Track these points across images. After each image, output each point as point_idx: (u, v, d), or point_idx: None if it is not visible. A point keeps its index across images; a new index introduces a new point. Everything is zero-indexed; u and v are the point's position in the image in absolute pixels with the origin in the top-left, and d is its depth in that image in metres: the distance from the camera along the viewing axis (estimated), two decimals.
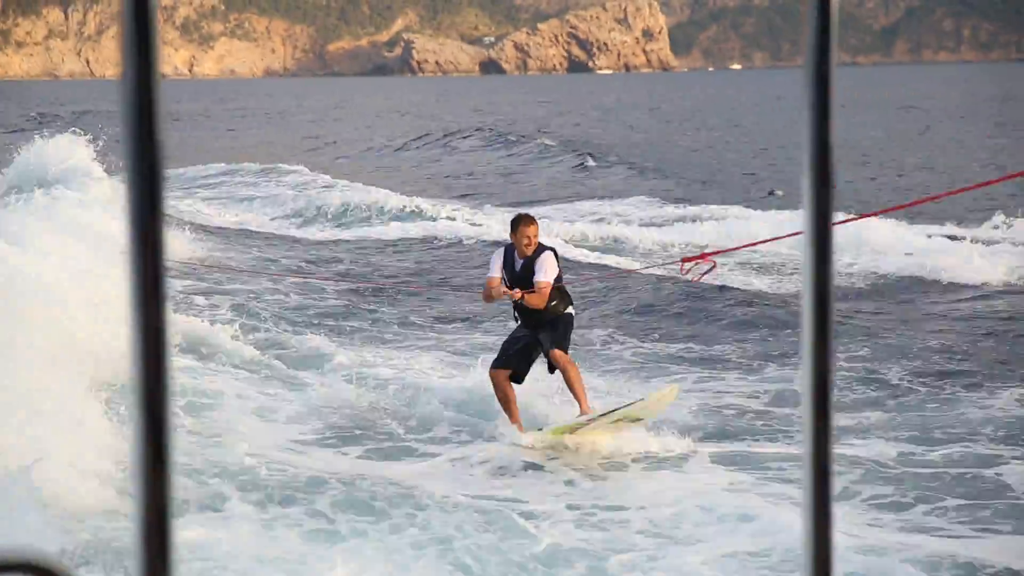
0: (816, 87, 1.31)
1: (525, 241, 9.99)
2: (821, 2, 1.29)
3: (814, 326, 1.32)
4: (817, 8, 1.29)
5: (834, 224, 1.34)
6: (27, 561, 1.10)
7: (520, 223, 10.11)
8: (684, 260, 10.30)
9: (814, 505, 1.32)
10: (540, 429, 10.08)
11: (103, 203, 20.01)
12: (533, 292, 9.85)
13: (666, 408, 10.12)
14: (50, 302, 11.20)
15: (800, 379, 1.33)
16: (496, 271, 10.14)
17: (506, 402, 10.19)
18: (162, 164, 1.07)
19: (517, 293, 9.83)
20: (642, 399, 10.08)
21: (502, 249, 10.34)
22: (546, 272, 9.94)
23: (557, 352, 9.88)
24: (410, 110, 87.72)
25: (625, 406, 9.95)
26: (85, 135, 26.18)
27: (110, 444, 8.82)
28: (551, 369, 10.17)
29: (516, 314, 10.32)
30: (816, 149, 1.31)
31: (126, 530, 6.69)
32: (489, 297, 10.13)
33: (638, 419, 9.92)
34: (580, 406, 9.93)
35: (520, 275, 10.05)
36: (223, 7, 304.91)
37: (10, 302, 10.78)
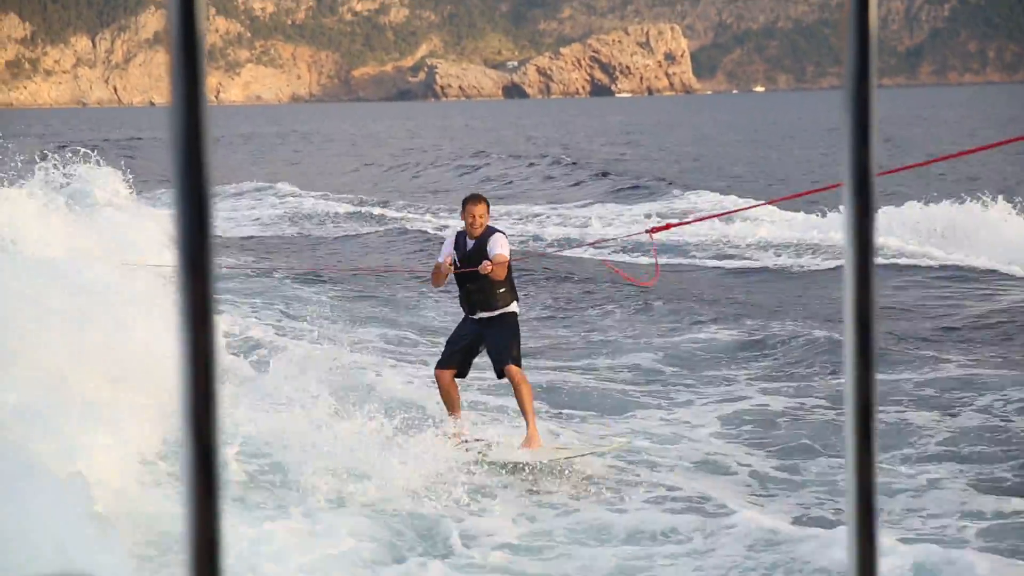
0: (856, 112, 1.30)
1: (471, 220, 10.03)
2: (859, 25, 1.29)
3: (856, 352, 1.31)
4: (855, 31, 1.29)
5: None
6: None
7: (468, 202, 10.17)
8: (651, 231, 10.17)
9: (859, 532, 1.31)
10: (484, 454, 9.94)
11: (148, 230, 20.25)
12: (486, 264, 9.84)
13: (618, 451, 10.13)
14: (116, 320, 11.37)
15: (844, 406, 1.33)
16: (444, 255, 10.21)
17: (450, 402, 10.21)
18: (210, 189, 1.08)
19: (487, 266, 9.79)
20: (592, 451, 10.02)
21: (454, 234, 10.40)
22: (502, 247, 9.99)
23: (512, 368, 9.86)
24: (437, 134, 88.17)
25: (576, 454, 9.89)
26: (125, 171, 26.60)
27: (159, 454, 8.93)
28: (500, 375, 10.12)
29: (463, 304, 10.29)
30: (856, 175, 1.31)
31: (176, 548, 6.70)
32: (439, 276, 10.15)
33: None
34: (527, 427, 9.88)
35: (471, 254, 10.06)
36: (249, 34, 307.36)
37: (76, 314, 10.96)
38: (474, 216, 10.04)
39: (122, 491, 7.70)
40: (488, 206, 10.19)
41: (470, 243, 10.13)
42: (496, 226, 10.43)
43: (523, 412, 9.94)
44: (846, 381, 1.32)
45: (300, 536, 8.00)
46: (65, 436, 8.00)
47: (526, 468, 9.73)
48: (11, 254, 14.09)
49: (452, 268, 10.01)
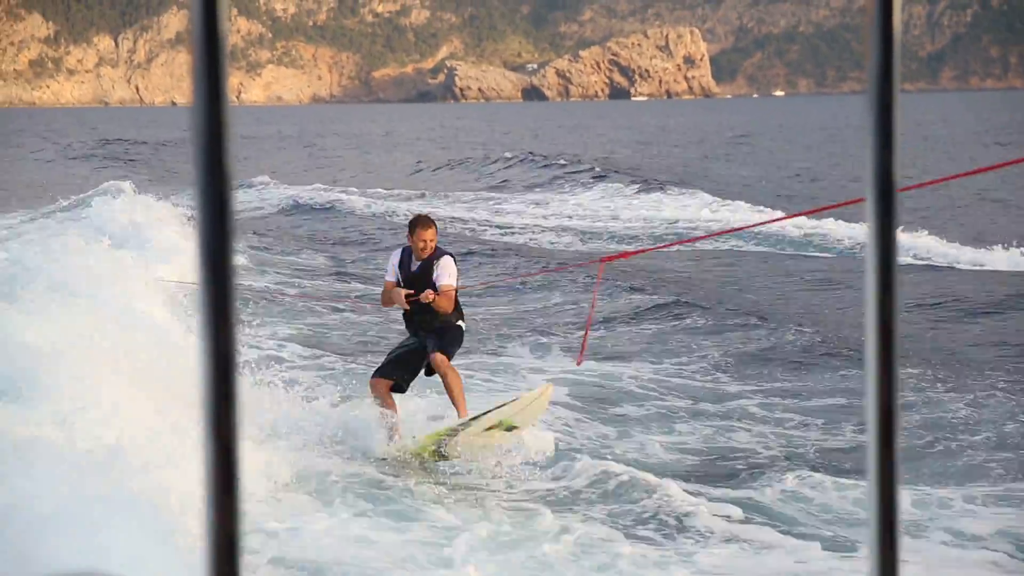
0: (879, 116, 1.30)
1: (421, 245, 9.76)
2: (883, 30, 1.28)
3: (878, 358, 1.30)
4: (879, 36, 1.28)
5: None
6: None
7: (417, 225, 9.84)
8: (603, 260, 9.79)
9: (879, 536, 1.30)
10: (413, 437, 9.76)
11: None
12: (428, 294, 9.62)
13: (543, 411, 9.81)
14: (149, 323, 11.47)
15: (865, 413, 1.32)
16: (391, 274, 9.95)
17: (387, 410, 9.86)
18: (231, 190, 1.08)
19: (429, 295, 9.59)
20: (514, 399, 9.73)
21: (399, 250, 10.09)
22: (451, 275, 9.71)
23: (438, 356, 9.62)
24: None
25: (496, 408, 9.62)
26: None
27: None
28: (429, 372, 9.91)
29: (408, 327, 10.03)
30: (879, 179, 1.30)
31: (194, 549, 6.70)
32: (389, 301, 9.90)
33: (513, 427, 9.57)
34: (458, 412, 9.67)
35: (416, 275, 9.80)
36: (270, 35, 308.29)
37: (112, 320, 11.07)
38: (424, 241, 9.75)
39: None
40: (437, 230, 9.91)
41: (415, 264, 9.85)
42: (446, 248, 10.16)
43: (452, 401, 9.71)
44: (867, 387, 1.31)
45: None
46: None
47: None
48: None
49: (403, 296, 9.69)
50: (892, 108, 1.29)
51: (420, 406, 10.48)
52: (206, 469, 1.07)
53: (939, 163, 47.75)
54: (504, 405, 9.67)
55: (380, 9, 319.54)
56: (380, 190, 40.40)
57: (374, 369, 10.21)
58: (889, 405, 1.31)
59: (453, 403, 9.74)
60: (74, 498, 6.80)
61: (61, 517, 6.59)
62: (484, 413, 9.64)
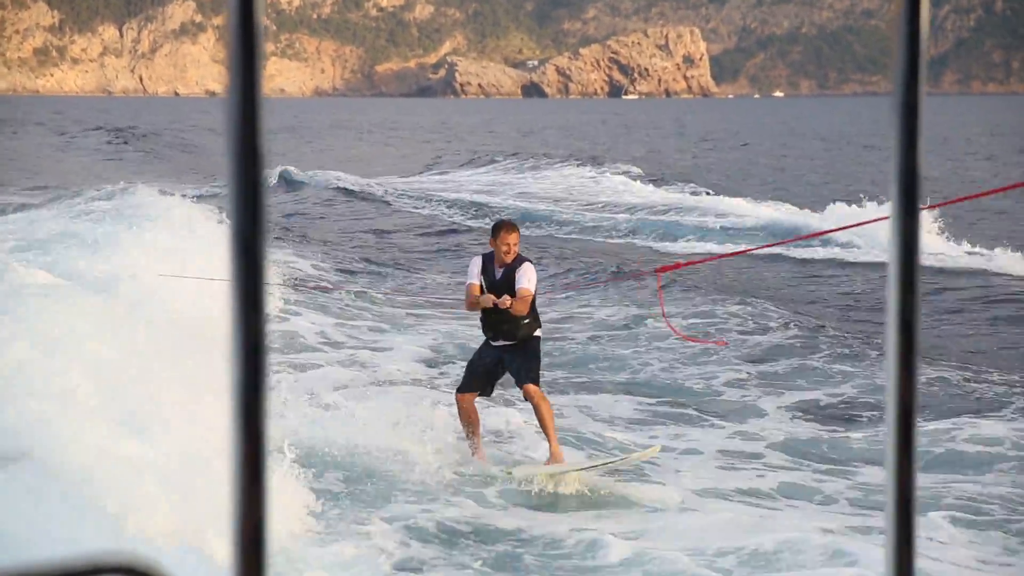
0: (904, 116, 1.30)
1: (505, 248, 9.67)
2: (910, 30, 1.29)
3: (899, 355, 1.30)
4: (906, 36, 1.29)
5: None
6: (127, 564, 1.11)
7: (502, 229, 9.76)
8: (658, 270, 9.65)
9: (896, 536, 1.31)
10: (507, 471, 9.68)
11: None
12: (506, 300, 9.59)
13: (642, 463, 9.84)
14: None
15: (885, 410, 1.32)
16: (475, 277, 9.87)
17: (471, 427, 9.99)
18: (264, 180, 1.08)
19: (506, 301, 9.54)
20: (623, 457, 9.75)
21: (480, 257, 10.02)
22: (530, 281, 9.68)
23: (531, 387, 9.60)
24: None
25: (603, 463, 9.65)
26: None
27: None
28: (526, 398, 9.85)
29: (485, 330, 10.00)
30: (903, 178, 1.31)
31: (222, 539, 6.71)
32: (475, 305, 9.82)
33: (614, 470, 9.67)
34: (550, 445, 9.64)
35: (500, 283, 9.75)
36: (274, 27, 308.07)
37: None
38: (508, 244, 9.67)
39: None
40: (519, 234, 9.88)
41: (498, 271, 9.79)
42: (528, 256, 10.12)
43: (544, 430, 9.69)
44: (887, 383, 1.32)
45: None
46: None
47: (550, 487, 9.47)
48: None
49: (489, 301, 9.62)
50: (918, 108, 1.29)
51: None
52: (234, 458, 1.08)
53: (955, 170, 47.67)
54: (610, 462, 9.68)
55: (384, 3, 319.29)
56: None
57: (458, 384, 10.24)
58: (908, 401, 1.31)
59: (544, 433, 9.73)
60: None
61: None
62: (586, 468, 9.60)
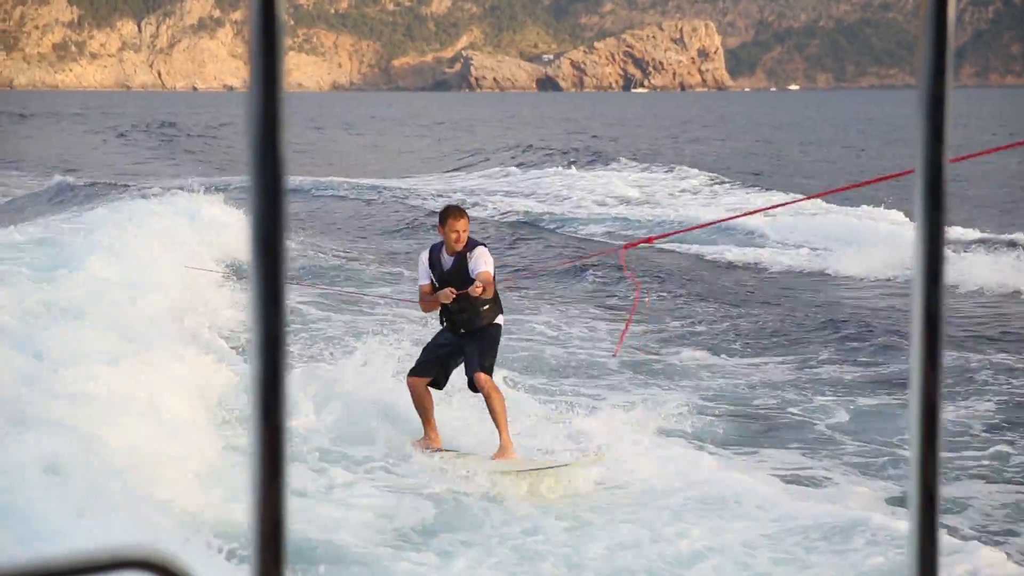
0: (929, 110, 1.29)
1: (455, 235, 9.26)
2: (937, 24, 1.28)
3: (924, 349, 1.30)
4: (933, 30, 1.28)
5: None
6: (145, 559, 1.11)
7: (449, 216, 9.32)
8: (625, 247, 9.39)
9: (920, 531, 1.30)
10: (457, 459, 9.37)
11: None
12: (477, 286, 9.12)
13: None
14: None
15: (908, 404, 1.31)
16: (425, 277, 9.47)
17: (423, 411, 9.64)
18: (285, 175, 1.08)
19: (478, 288, 9.06)
20: (567, 464, 9.17)
21: (426, 252, 9.61)
22: (487, 263, 9.26)
23: (482, 376, 9.23)
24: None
25: (545, 468, 9.12)
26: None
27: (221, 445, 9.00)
28: (472, 388, 9.47)
29: (443, 318, 9.56)
30: (928, 172, 1.30)
31: (240, 534, 6.72)
32: (433, 304, 9.44)
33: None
34: (500, 436, 9.29)
35: (452, 272, 9.37)
36: (292, 22, 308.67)
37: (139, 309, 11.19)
38: (458, 232, 9.26)
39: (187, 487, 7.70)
40: (468, 220, 9.40)
41: (448, 260, 9.40)
42: (476, 238, 9.64)
43: (495, 422, 9.30)
44: (911, 378, 1.31)
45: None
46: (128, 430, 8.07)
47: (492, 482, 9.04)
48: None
49: (448, 295, 9.17)
50: (944, 101, 1.28)
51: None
52: (254, 453, 1.07)
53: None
54: (556, 467, 9.20)
55: None
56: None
57: (411, 368, 9.81)
58: (933, 395, 1.31)
59: (495, 425, 9.36)
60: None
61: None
62: (531, 470, 9.14)
